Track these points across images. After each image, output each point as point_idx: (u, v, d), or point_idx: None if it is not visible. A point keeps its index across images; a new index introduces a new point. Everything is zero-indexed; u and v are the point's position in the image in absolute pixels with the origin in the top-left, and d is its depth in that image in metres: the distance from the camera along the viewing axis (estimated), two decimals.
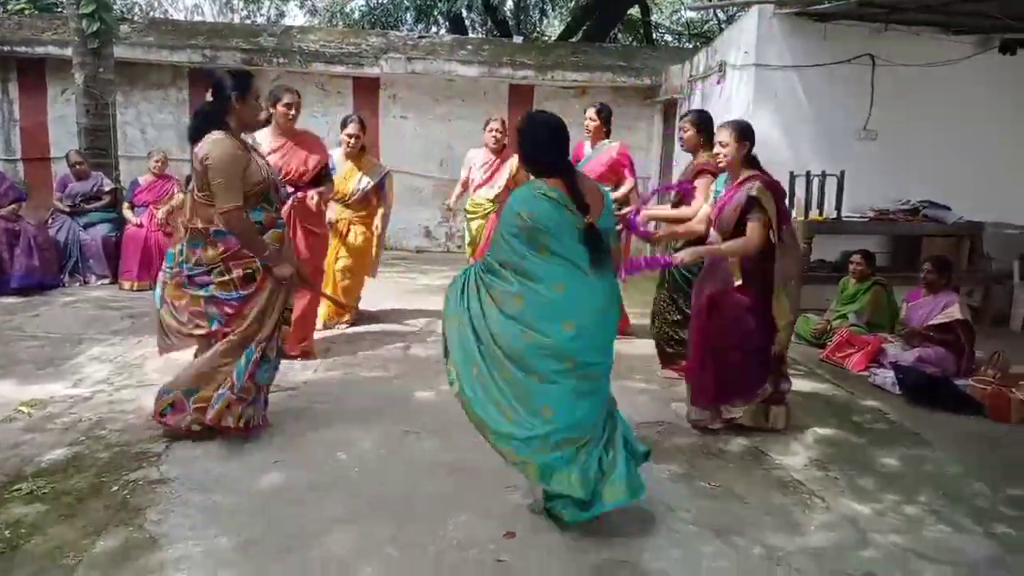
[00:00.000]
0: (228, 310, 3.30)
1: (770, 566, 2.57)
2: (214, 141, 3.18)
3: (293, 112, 4.47)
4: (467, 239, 6.04)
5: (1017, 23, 6.14)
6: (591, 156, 5.54)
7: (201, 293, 3.29)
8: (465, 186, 5.96)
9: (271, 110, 4.37)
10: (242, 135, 3.34)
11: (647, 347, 4.98)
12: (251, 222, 3.25)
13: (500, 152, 5.84)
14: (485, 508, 2.88)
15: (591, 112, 5.52)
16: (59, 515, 2.70)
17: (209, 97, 3.30)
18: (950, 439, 3.87)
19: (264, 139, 4.40)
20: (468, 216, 5.96)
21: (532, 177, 2.83)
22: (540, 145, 2.78)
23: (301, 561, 2.48)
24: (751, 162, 3.75)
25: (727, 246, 3.66)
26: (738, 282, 3.75)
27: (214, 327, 3.32)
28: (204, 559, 2.47)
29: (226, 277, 3.26)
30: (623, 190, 5.43)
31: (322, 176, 4.67)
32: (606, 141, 5.57)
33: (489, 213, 5.78)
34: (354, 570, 2.45)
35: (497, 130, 5.79)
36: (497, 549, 2.59)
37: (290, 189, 4.37)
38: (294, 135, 4.59)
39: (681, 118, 5.23)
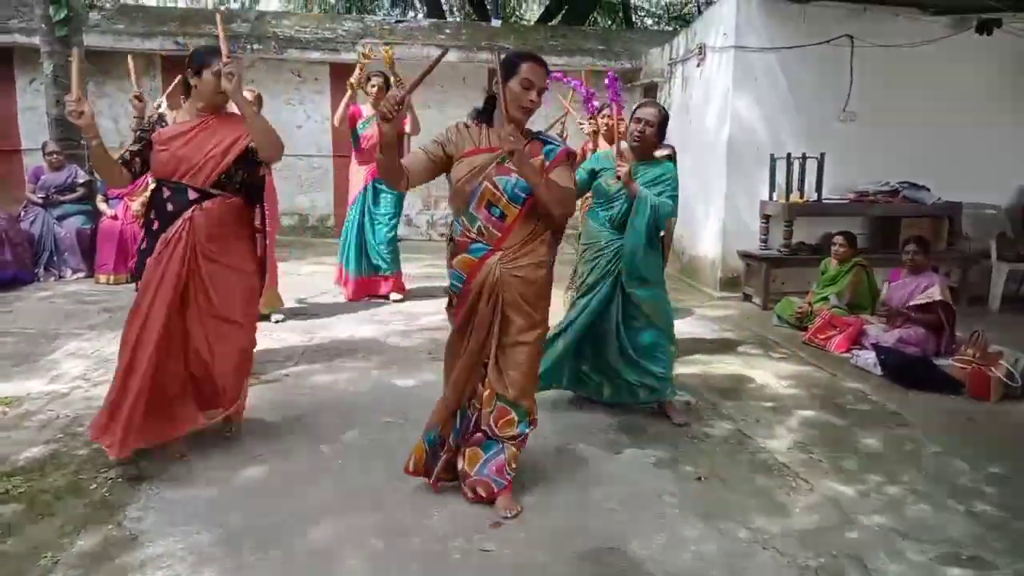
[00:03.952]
0: None
1: (755, 549, 2.57)
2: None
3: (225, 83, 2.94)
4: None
5: (994, 2, 6.17)
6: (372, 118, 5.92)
7: None
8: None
9: (193, 79, 3.05)
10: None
11: None
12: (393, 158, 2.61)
13: None
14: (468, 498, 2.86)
15: (378, 80, 6.02)
16: (36, 514, 2.65)
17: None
18: (931, 419, 3.90)
19: (172, 118, 3.12)
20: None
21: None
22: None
23: (284, 553, 2.46)
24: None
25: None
26: None
27: None
28: (185, 555, 2.43)
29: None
30: None
31: (247, 172, 3.13)
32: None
33: None
34: (338, 561, 2.42)
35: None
36: (482, 538, 2.57)
37: (192, 195, 3.03)
38: (215, 115, 3.10)
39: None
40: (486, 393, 2.72)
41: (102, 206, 7.17)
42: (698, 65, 7.51)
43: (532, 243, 2.67)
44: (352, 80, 5.99)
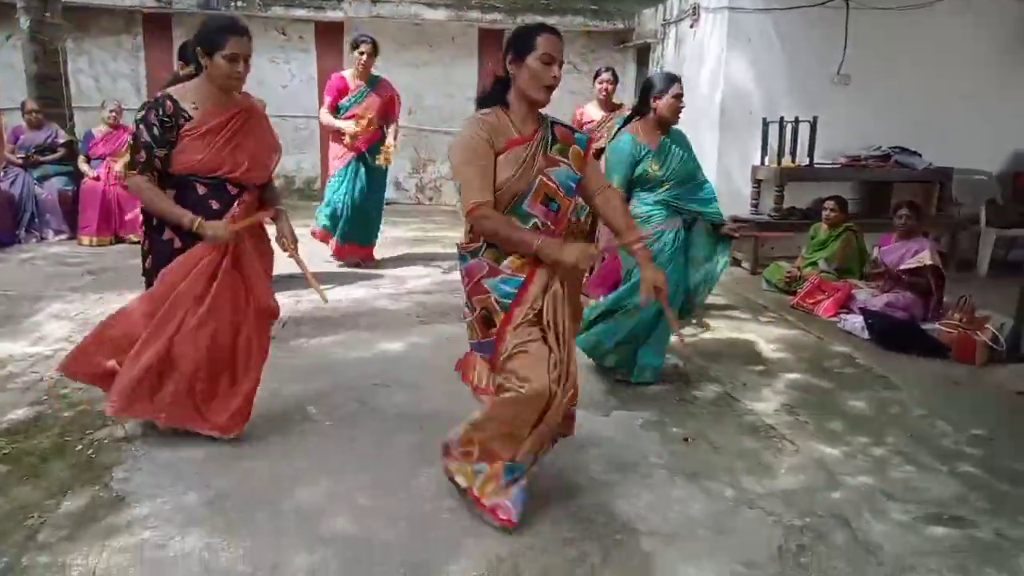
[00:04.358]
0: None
1: (741, 508, 2.60)
2: (464, 123, 2.45)
3: (243, 67, 2.74)
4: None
5: None
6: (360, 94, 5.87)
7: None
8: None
9: (203, 60, 2.74)
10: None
11: None
12: (503, 217, 2.36)
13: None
14: None
15: (366, 47, 5.73)
16: (22, 476, 2.63)
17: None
18: (917, 382, 3.93)
19: (189, 104, 2.74)
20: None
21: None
22: None
23: (272, 513, 2.45)
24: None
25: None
26: None
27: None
28: (173, 515, 2.42)
29: (469, 318, 2.49)
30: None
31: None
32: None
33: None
34: (325, 520, 2.42)
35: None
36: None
37: (232, 190, 2.85)
38: (241, 103, 2.85)
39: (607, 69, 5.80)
40: (570, 394, 2.44)
41: (84, 167, 7.04)
42: (692, 26, 7.40)
43: (575, 225, 2.59)
44: (349, 133, 5.79)
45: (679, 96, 3.62)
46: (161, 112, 2.67)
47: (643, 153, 3.64)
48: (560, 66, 2.38)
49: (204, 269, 2.77)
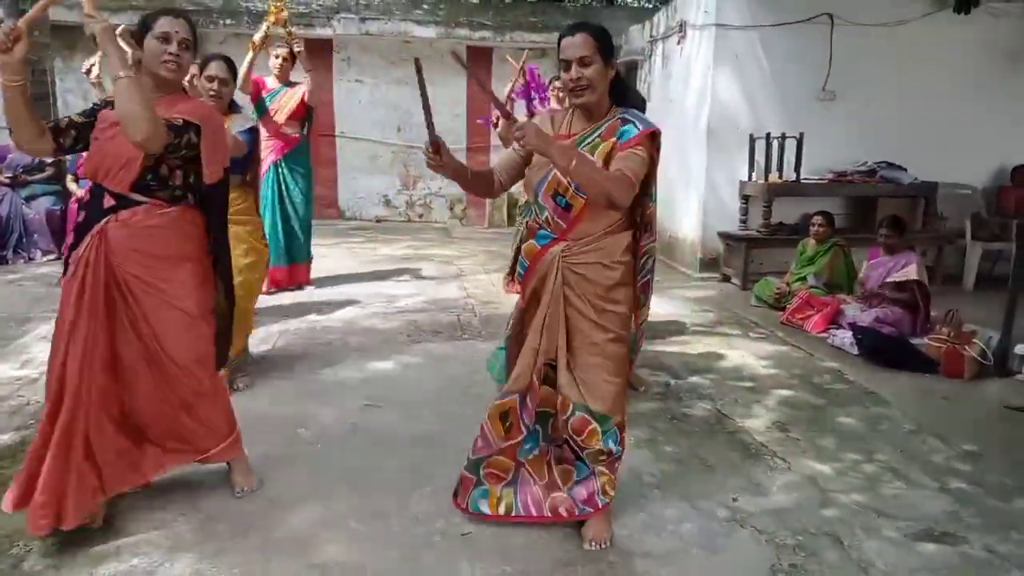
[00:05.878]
0: None
1: (734, 527, 2.59)
2: None
3: (175, 49, 2.32)
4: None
5: None
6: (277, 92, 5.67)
7: None
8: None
9: (138, 51, 2.36)
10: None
11: None
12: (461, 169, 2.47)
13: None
14: (449, 480, 2.84)
15: (282, 51, 5.58)
16: None
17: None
18: (906, 397, 3.95)
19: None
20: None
21: None
22: None
23: (263, 538, 2.43)
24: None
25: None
26: None
27: None
28: (162, 540, 2.40)
29: None
30: None
31: (191, 172, 2.45)
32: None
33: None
34: (316, 545, 2.40)
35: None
36: (463, 521, 2.56)
37: (108, 201, 2.37)
38: (192, 109, 2.39)
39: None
40: (559, 399, 2.44)
41: (72, 186, 7.00)
42: (678, 43, 7.47)
43: (603, 240, 2.35)
44: (256, 39, 5.32)
45: None
46: (95, 106, 2.45)
47: None
48: (583, 65, 2.25)
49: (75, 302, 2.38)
